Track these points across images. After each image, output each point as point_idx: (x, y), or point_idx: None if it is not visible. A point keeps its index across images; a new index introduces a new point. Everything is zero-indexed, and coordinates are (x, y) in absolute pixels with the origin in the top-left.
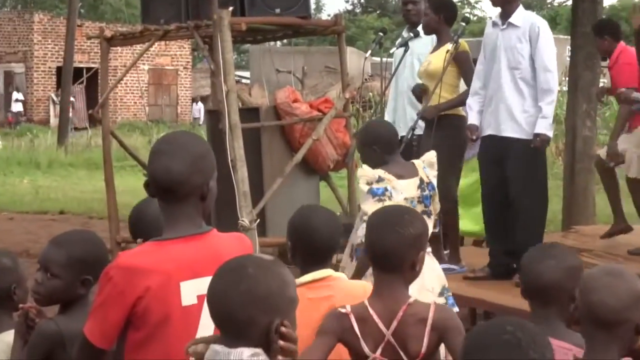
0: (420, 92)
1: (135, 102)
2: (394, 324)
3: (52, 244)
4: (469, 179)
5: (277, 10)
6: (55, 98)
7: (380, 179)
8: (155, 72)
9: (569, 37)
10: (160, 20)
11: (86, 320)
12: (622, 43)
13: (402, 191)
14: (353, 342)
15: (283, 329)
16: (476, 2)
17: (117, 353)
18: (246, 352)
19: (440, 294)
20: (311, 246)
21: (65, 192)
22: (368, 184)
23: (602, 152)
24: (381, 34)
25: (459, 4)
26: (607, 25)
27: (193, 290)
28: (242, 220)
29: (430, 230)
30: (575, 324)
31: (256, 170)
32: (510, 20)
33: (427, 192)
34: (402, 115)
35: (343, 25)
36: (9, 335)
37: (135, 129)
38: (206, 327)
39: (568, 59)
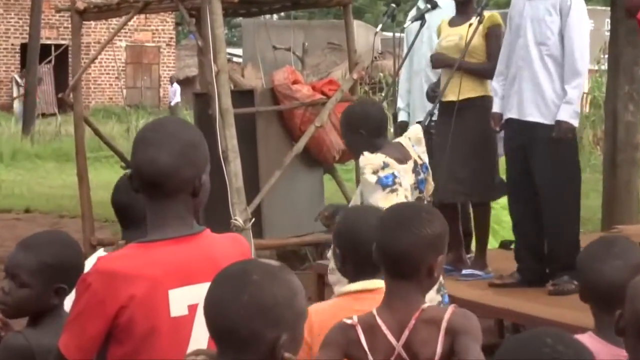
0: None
1: (111, 84)
2: (405, 333)
3: (20, 248)
4: None
5: None
6: (19, 80)
7: (385, 165)
8: (134, 50)
9: (608, 8)
10: None
11: (60, 334)
12: None
13: (406, 175)
14: (360, 356)
15: (286, 354)
16: None
17: None
18: None
19: (438, 291)
20: (363, 253)
21: (32, 187)
22: (374, 173)
23: None
24: (393, 5)
25: None
26: None
27: (183, 299)
28: (235, 220)
29: None
30: (620, 334)
31: (251, 163)
32: None
33: (421, 176)
34: (419, 98)
35: None
36: None
37: (112, 115)
38: (198, 341)
39: (607, 33)
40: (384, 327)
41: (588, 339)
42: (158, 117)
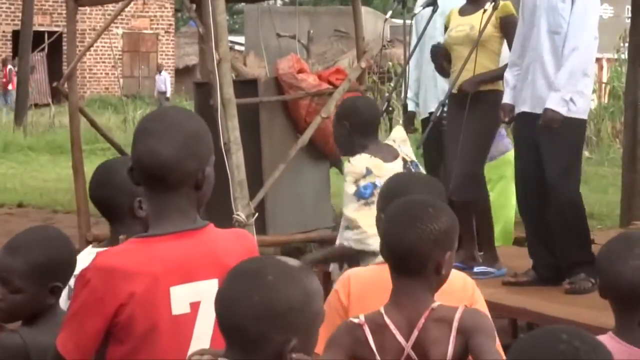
0: (440, 57)
1: (108, 74)
2: (415, 333)
3: (8, 252)
4: (499, 185)
5: None
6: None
7: (368, 172)
8: (131, 37)
9: None
10: None
11: (56, 332)
12: None
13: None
14: (367, 356)
15: (294, 355)
16: None
17: None
18: None
19: None
20: None
21: (25, 180)
22: (355, 182)
23: None
24: None
25: None
26: None
27: (185, 296)
28: (238, 215)
29: None
30: None
31: (254, 155)
32: None
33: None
34: (432, 87)
35: None
36: None
37: (108, 105)
38: (200, 340)
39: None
40: (392, 327)
41: (607, 339)
42: (160, 107)
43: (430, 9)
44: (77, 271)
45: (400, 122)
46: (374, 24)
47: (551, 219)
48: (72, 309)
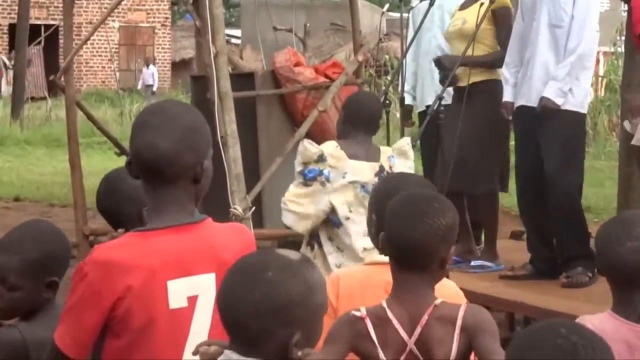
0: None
1: (104, 67)
2: (418, 329)
3: (1, 250)
4: None
5: None
6: (7, 62)
7: (321, 159)
8: (127, 31)
9: None
10: None
11: (54, 326)
12: None
13: (354, 173)
14: (369, 351)
15: (299, 353)
16: None
17: None
18: None
19: None
20: None
21: (21, 174)
22: (304, 163)
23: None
24: None
25: None
26: None
27: (182, 290)
28: (235, 208)
29: None
30: None
31: (251, 149)
32: None
33: None
34: (429, 80)
35: None
36: None
37: (104, 98)
38: (198, 334)
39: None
40: (395, 321)
41: (607, 317)
42: (159, 101)
43: (427, 2)
44: None
45: (397, 115)
46: (371, 17)
47: (550, 212)
48: (69, 302)
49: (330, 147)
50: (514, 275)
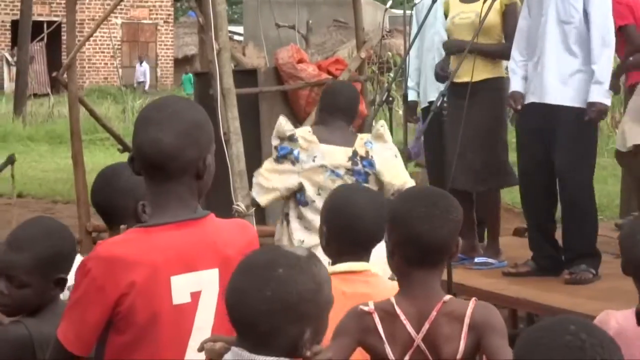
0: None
1: (107, 64)
2: (426, 326)
3: (11, 248)
4: None
5: None
6: (10, 58)
7: (292, 139)
8: (130, 27)
9: None
10: None
11: (59, 322)
12: None
13: (324, 157)
14: (376, 346)
15: (308, 353)
16: None
17: None
18: None
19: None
20: (351, 233)
21: (24, 171)
22: (279, 138)
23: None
24: None
25: None
26: None
27: (186, 286)
28: (237, 205)
29: None
30: None
31: (254, 145)
32: None
33: (359, 167)
34: (432, 77)
35: None
36: None
37: (107, 95)
38: (201, 330)
39: None
40: (402, 317)
41: (633, 315)
42: (162, 97)
43: None
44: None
45: (401, 112)
46: (373, 14)
47: (562, 208)
48: (73, 297)
49: (304, 131)
50: (516, 272)
